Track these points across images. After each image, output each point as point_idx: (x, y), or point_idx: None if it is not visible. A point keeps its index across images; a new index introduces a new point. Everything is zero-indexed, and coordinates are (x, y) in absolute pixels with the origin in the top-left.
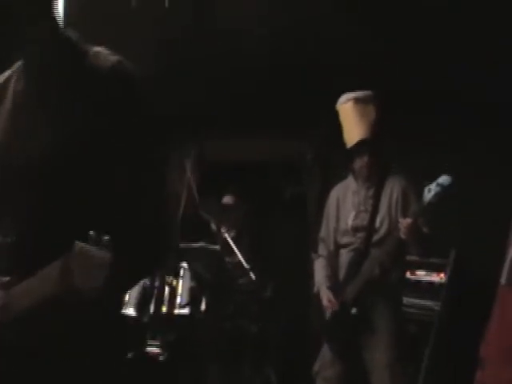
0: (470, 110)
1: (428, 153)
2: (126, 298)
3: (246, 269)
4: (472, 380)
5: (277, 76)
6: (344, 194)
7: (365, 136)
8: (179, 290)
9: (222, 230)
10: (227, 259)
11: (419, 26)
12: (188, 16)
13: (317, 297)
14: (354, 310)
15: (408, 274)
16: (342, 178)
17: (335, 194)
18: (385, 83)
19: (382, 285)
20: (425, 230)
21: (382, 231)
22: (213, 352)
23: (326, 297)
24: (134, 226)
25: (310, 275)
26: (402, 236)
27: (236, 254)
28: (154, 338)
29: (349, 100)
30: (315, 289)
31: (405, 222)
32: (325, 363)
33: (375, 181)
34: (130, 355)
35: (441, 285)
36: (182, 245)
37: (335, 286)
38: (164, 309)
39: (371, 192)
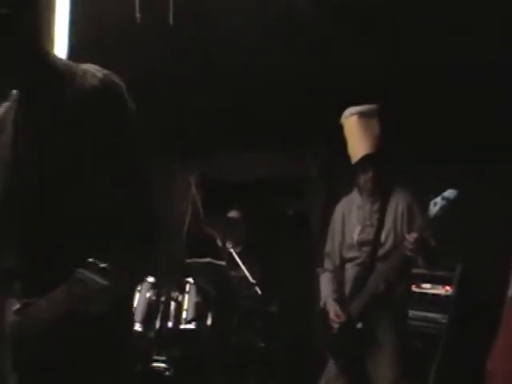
0: (476, 123)
1: (433, 166)
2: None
3: (251, 283)
4: None
5: (280, 92)
6: (349, 209)
7: (369, 151)
8: (185, 306)
9: (228, 245)
10: (233, 274)
11: (423, 41)
12: (191, 32)
13: (323, 311)
14: (359, 325)
15: (413, 287)
16: (347, 192)
17: (340, 208)
18: (389, 97)
19: (388, 299)
20: (431, 242)
21: (388, 245)
22: (218, 367)
23: (332, 310)
24: (125, 230)
25: (314, 290)
26: (409, 253)
27: (241, 269)
28: (159, 354)
29: (353, 114)
30: (321, 303)
31: (411, 238)
32: (330, 378)
33: (380, 195)
34: (136, 370)
35: (446, 297)
36: (188, 260)
37: (341, 300)
38: (170, 324)
39: (376, 206)
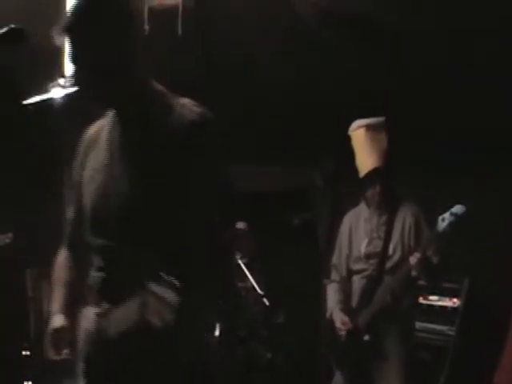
0: (486, 138)
1: (441, 180)
2: None
3: (259, 294)
4: None
5: (287, 104)
6: (356, 221)
7: (377, 165)
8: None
9: (236, 256)
10: (240, 284)
11: (430, 55)
12: (201, 44)
13: (329, 322)
14: (366, 337)
15: (421, 299)
16: (354, 204)
17: (347, 220)
18: (396, 110)
19: (395, 311)
20: (435, 260)
21: (396, 258)
22: (226, 377)
23: (339, 319)
24: (200, 258)
25: (321, 301)
26: (412, 273)
27: (249, 280)
28: None
29: (361, 127)
30: (327, 314)
31: (414, 258)
32: None
33: (388, 208)
34: None
35: (453, 309)
36: None
37: (348, 312)
38: None
39: (384, 219)
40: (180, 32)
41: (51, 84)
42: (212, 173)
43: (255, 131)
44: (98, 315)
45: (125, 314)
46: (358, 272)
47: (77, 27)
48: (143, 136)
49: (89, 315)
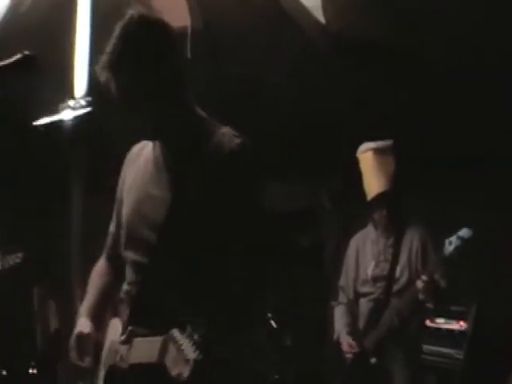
0: (491, 161)
1: (448, 205)
2: None
3: (267, 316)
4: None
5: (295, 125)
6: (363, 244)
7: (384, 189)
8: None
9: None
10: None
11: (441, 80)
12: (210, 66)
13: (336, 344)
14: (373, 360)
15: (427, 322)
16: (361, 226)
17: (354, 243)
18: (404, 133)
19: (402, 334)
20: (442, 284)
21: (403, 281)
22: None
23: (345, 342)
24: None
25: (328, 323)
26: (420, 296)
27: None
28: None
29: (369, 150)
30: (335, 336)
31: (422, 282)
32: None
33: (395, 231)
34: None
35: (461, 332)
36: None
37: (355, 334)
38: None
39: (391, 241)
40: (189, 55)
41: (61, 106)
42: (248, 203)
43: (263, 152)
44: (123, 339)
45: (146, 349)
46: (364, 295)
47: (118, 65)
48: (182, 160)
49: (115, 327)
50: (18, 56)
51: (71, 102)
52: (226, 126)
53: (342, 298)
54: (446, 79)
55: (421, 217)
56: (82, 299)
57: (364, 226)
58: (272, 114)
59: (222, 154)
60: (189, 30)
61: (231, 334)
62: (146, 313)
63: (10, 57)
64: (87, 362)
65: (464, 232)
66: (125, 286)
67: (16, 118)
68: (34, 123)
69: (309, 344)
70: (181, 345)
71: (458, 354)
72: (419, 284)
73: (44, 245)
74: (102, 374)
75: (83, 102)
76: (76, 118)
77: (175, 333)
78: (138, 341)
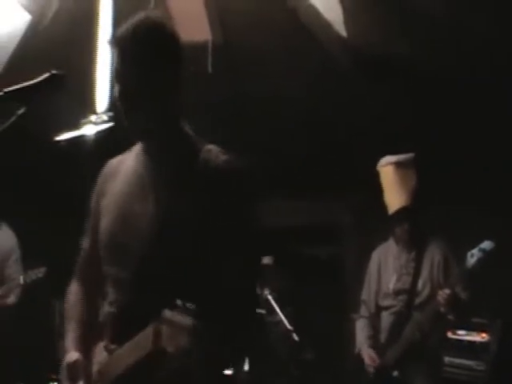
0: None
1: (470, 217)
2: None
3: (288, 329)
4: None
5: (314, 139)
6: (385, 257)
7: (405, 204)
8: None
9: (265, 292)
10: (269, 319)
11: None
12: (230, 80)
13: (358, 358)
14: (395, 373)
15: (449, 334)
16: (382, 240)
17: (376, 256)
18: (423, 148)
19: (424, 348)
20: (464, 296)
21: (425, 294)
22: None
23: (367, 355)
24: (226, 295)
25: (349, 336)
26: (442, 309)
27: (277, 315)
28: None
29: (390, 163)
30: (356, 349)
31: (444, 294)
32: None
33: (416, 245)
34: None
35: (482, 344)
36: None
37: (376, 347)
38: None
39: (413, 255)
40: (210, 69)
41: (83, 121)
42: (236, 218)
43: (284, 166)
44: (109, 352)
45: (133, 349)
46: (386, 308)
47: (126, 70)
48: (170, 176)
49: (101, 351)
50: (46, 75)
51: (93, 117)
52: (211, 144)
53: (364, 311)
54: (466, 93)
55: (442, 230)
56: None
57: (385, 239)
58: (292, 130)
59: (206, 171)
60: (210, 45)
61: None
62: (131, 331)
63: (30, 72)
64: None
65: (486, 244)
66: (106, 308)
67: (38, 133)
68: (56, 138)
69: (330, 358)
70: (175, 319)
71: (478, 365)
72: (441, 297)
73: (66, 260)
74: None
75: (105, 117)
76: (98, 132)
77: (166, 313)
78: (120, 350)
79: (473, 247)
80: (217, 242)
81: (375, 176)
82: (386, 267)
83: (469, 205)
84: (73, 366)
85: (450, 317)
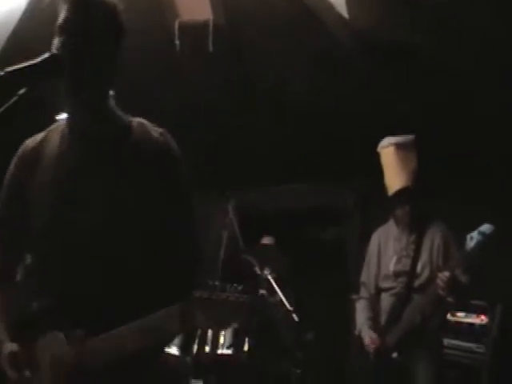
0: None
1: (469, 200)
2: None
3: (288, 310)
4: None
5: (316, 123)
6: (385, 239)
7: (406, 184)
8: (223, 331)
9: (266, 272)
10: (270, 299)
11: (463, 79)
12: (232, 60)
13: (358, 339)
14: (395, 354)
15: (448, 316)
16: (383, 221)
17: (376, 238)
18: (425, 132)
19: (424, 330)
20: (463, 279)
21: (424, 276)
22: None
23: (367, 336)
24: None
25: (350, 317)
26: (441, 292)
27: (278, 296)
28: (197, 378)
29: (390, 145)
30: (356, 331)
31: (443, 277)
32: None
33: (416, 226)
34: None
35: (481, 327)
36: None
37: (376, 328)
38: (207, 349)
39: (413, 238)
40: (211, 48)
41: None
42: (177, 194)
43: (286, 149)
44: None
45: (149, 328)
46: (386, 290)
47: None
48: (99, 151)
49: (54, 340)
50: (46, 56)
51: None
52: (140, 118)
53: (364, 292)
54: (469, 80)
55: (442, 213)
56: None
57: (386, 221)
58: (294, 112)
59: (141, 144)
60: (211, 24)
61: None
62: (84, 314)
63: (30, 52)
64: (26, 374)
65: (485, 227)
66: (44, 298)
67: (38, 114)
68: (57, 117)
69: (330, 338)
70: (223, 295)
71: (478, 347)
72: (440, 280)
73: None
74: None
75: None
76: None
77: (198, 293)
78: (112, 334)
79: (472, 230)
80: (158, 218)
81: (377, 159)
82: (386, 249)
83: (470, 187)
84: (14, 356)
85: (450, 299)
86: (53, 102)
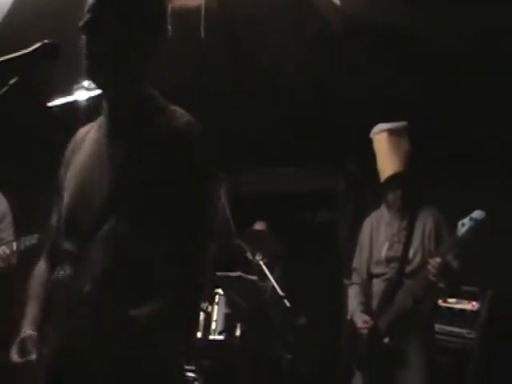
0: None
1: (461, 186)
2: None
3: (280, 296)
4: None
5: (309, 106)
6: (377, 225)
7: (398, 170)
8: (214, 317)
9: (257, 257)
10: (261, 284)
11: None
12: (223, 46)
13: (350, 324)
14: (386, 339)
15: (440, 302)
16: (375, 207)
17: (368, 224)
18: (417, 119)
19: (415, 315)
20: (455, 265)
21: (416, 262)
22: (247, 377)
23: (360, 319)
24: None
25: (342, 302)
26: (432, 278)
27: (269, 281)
28: (189, 363)
29: (383, 131)
30: (348, 316)
31: (435, 263)
32: None
33: (408, 212)
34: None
35: (473, 312)
36: (219, 274)
37: (369, 313)
38: (199, 334)
39: (404, 223)
40: (203, 35)
41: (76, 86)
42: (195, 184)
43: (279, 133)
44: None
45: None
46: (378, 275)
47: (97, 26)
48: (128, 137)
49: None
50: (38, 44)
51: (85, 83)
52: (175, 106)
53: (356, 278)
54: (460, 66)
55: (434, 198)
56: None
57: (378, 207)
58: (289, 97)
59: (169, 133)
60: (202, 9)
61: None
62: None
63: (22, 39)
64: (29, 358)
65: (477, 213)
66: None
67: (30, 98)
68: (49, 104)
69: (322, 323)
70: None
71: (469, 333)
72: (431, 266)
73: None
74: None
75: None
76: (90, 98)
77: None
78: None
79: (464, 216)
80: (172, 207)
81: (370, 144)
82: (378, 234)
83: (462, 174)
84: (24, 341)
85: (442, 285)
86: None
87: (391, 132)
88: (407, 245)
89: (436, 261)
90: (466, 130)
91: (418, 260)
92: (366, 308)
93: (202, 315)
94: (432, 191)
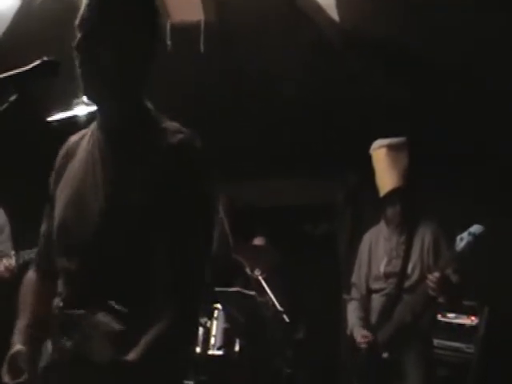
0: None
1: (460, 201)
2: None
3: (279, 311)
4: None
5: (308, 118)
6: (376, 240)
7: (397, 185)
8: (213, 331)
9: (256, 272)
10: (260, 299)
11: (451, 77)
12: (223, 60)
13: (349, 339)
14: (385, 354)
15: (439, 316)
16: (374, 222)
17: (367, 239)
18: (417, 131)
19: (414, 330)
20: (454, 279)
21: (414, 277)
22: None
23: (359, 334)
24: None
25: (341, 317)
26: (431, 293)
27: (268, 296)
28: (188, 378)
29: (382, 146)
30: (348, 331)
31: (434, 278)
32: None
33: (407, 227)
34: None
35: (471, 327)
36: (217, 289)
37: (368, 328)
38: (198, 349)
39: (403, 238)
40: (202, 49)
41: (75, 101)
42: (191, 199)
43: (276, 144)
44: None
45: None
46: (377, 291)
47: (91, 43)
48: (124, 152)
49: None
50: (37, 62)
51: (85, 98)
52: (172, 121)
53: (355, 293)
54: (458, 77)
55: (433, 213)
56: None
57: (377, 222)
58: (286, 109)
59: (163, 148)
60: (202, 24)
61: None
62: (72, 328)
63: (23, 52)
64: (22, 378)
65: (475, 228)
66: (56, 300)
67: (31, 113)
68: (49, 119)
69: (321, 338)
70: (108, 323)
71: (468, 348)
72: (430, 280)
73: None
74: None
75: None
76: (90, 113)
77: (100, 316)
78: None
79: (463, 231)
80: (169, 222)
81: (369, 157)
82: (377, 250)
83: (460, 188)
84: (14, 358)
85: (442, 300)
86: (44, 105)
87: (390, 147)
88: (406, 260)
89: (435, 275)
90: (465, 140)
91: (416, 275)
92: (366, 323)
93: (201, 330)
94: (432, 204)
